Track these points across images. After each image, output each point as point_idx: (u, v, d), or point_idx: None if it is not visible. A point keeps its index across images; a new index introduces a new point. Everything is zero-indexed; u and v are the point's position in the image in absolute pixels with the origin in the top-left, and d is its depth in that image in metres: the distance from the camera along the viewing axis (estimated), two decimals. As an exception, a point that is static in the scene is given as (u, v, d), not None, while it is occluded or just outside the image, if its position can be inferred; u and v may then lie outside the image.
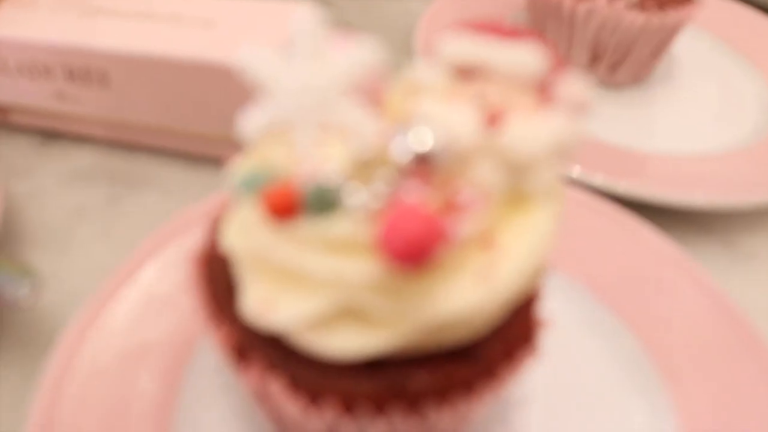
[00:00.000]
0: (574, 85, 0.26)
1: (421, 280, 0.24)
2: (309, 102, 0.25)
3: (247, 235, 0.27)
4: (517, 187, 0.26)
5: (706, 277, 0.41)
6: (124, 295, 0.39)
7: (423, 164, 0.24)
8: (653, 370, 0.38)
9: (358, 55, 0.25)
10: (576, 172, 0.49)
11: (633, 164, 0.53)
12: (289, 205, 0.24)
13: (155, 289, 0.40)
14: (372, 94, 0.27)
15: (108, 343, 0.37)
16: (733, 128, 0.58)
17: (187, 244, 0.41)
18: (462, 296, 0.24)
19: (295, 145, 0.25)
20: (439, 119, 0.24)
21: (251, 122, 0.26)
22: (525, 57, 0.26)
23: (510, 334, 0.29)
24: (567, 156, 0.26)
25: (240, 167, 0.27)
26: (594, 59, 0.60)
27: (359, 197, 0.24)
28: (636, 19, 0.55)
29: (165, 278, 0.40)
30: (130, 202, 0.51)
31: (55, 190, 0.51)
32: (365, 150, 0.24)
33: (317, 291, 0.25)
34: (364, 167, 0.24)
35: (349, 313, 0.26)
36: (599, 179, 0.48)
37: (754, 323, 0.39)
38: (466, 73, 0.27)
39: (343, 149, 0.25)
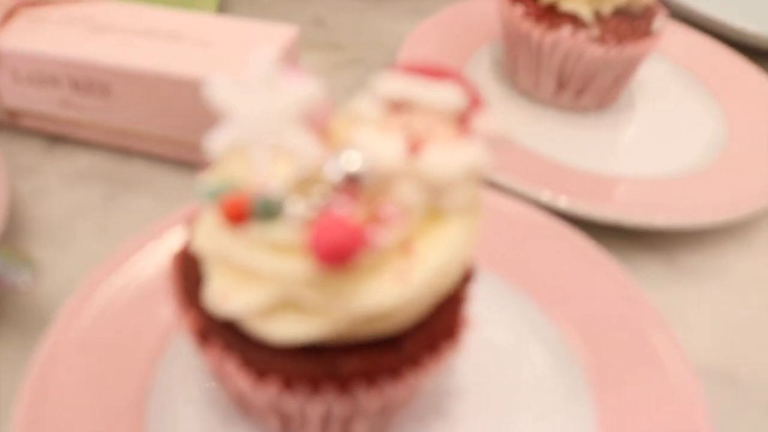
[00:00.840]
0: (489, 120, 0.31)
1: (346, 278, 0.29)
2: (261, 127, 0.30)
3: (210, 237, 0.32)
4: (435, 205, 0.31)
5: (630, 280, 0.46)
6: (112, 284, 0.44)
7: (352, 183, 0.28)
8: (578, 366, 0.43)
9: (306, 89, 0.30)
10: (545, 195, 0.53)
11: (591, 185, 0.57)
12: (241, 213, 0.29)
13: (141, 280, 0.45)
14: (319, 122, 0.32)
15: (96, 324, 0.42)
16: (687, 152, 0.63)
17: (170, 241, 0.46)
18: (382, 293, 0.29)
19: (250, 162, 0.30)
20: (368, 145, 0.29)
21: (215, 141, 0.31)
22: (446, 94, 0.31)
23: (434, 329, 0.34)
24: (481, 179, 0.31)
25: (205, 180, 0.31)
26: (560, 86, 0.64)
27: (298, 208, 0.28)
28: (596, 51, 0.59)
29: (149, 271, 0.45)
30: (124, 202, 0.56)
31: (57, 189, 0.57)
32: (306, 169, 0.29)
33: (263, 285, 0.30)
34: (304, 184, 0.29)
35: (288, 305, 0.30)
36: (546, 196, 0.53)
37: (670, 323, 0.43)
38: (397, 107, 0.31)
39: (288, 168, 0.29)
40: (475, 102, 0.31)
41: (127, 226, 0.53)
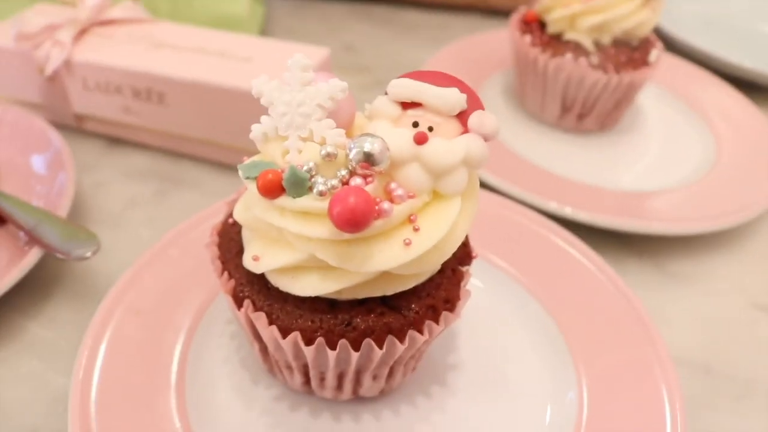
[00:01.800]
0: (485, 118, 0.37)
1: (361, 242, 0.35)
2: (295, 117, 0.36)
3: (248, 208, 0.38)
4: (437, 187, 0.37)
5: (618, 280, 0.51)
6: (160, 262, 0.51)
7: (368, 162, 0.35)
8: (566, 350, 0.48)
9: (333, 87, 0.36)
10: (552, 205, 0.59)
11: (591, 197, 0.62)
12: (275, 186, 0.35)
13: (184, 260, 0.52)
14: (343, 116, 0.38)
15: (144, 294, 0.49)
16: (679, 170, 0.69)
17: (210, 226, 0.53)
18: (391, 256, 0.35)
19: (284, 146, 0.37)
20: (382, 135, 0.36)
21: (257, 129, 0.37)
22: (449, 96, 0.37)
23: (436, 299, 0.40)
24: (477, 168, 0.37)
25: (247, 161, 0.38)
26: (564, 110, 0.71)
27: (323, 183, 0.35)
28: (597, 76, 0.65)
29: (192, 252, 0.52)
30: (173, 197, 0.63)
31: (115, 184, 0.64)
32: (331, 152, 0.35)
33: (291, 248, 0.37)
34: (329, 165, 0.35)
35: (312, 265, 0.37)
36: (552, 206, 0.59)
37: (653, 322, 0.48)
38: (408, 105, 0.38)
39: (316, 151, 0.36)
40: (473, 103, 0.37)
41: (175, 216, 0.61)
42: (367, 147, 0.34)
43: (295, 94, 0.37)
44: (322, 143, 0.36)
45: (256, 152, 0.61)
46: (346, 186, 0.35)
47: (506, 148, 0.67)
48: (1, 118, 0.64)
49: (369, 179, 0.35)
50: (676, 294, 0.57)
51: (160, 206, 0.62)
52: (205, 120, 0.63)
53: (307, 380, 0.43)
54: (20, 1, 0.77)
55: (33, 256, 0.51)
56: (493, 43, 0.82)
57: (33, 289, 0.53)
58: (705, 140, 0.73)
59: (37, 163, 0.60)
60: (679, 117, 0.77)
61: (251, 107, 0.60)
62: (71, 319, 0.52)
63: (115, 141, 0.69)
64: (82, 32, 0.67)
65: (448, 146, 0.36)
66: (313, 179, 0.35)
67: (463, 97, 0.37)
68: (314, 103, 0.36)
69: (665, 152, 0.71)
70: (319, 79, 0.37)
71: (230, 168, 0.66)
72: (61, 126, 0.69)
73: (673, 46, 0.89)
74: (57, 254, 0.50)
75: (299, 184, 0.35)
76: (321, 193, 0.34)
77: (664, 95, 0.80)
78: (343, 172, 0.35)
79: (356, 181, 0.35)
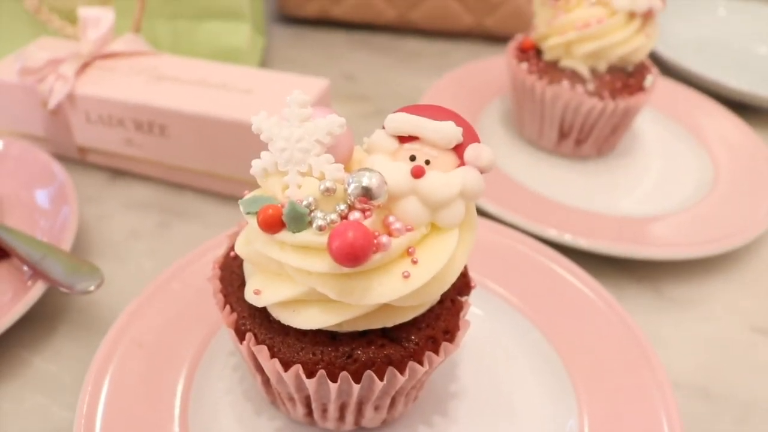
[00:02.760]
0: (480, 151, 0.38)
1: (360, 275, 0.36)
2: (294, 152, 0.37)
3: (249, 243, 0.39)
4: (435, 220, 0.37)
5: (617, 305, 0.52)
6: (163, 295, 0.52)
7: (366, 196, 0.35)
8: (566, 376, 0.48)
9: (331, 123, 0.37)
10: (551, 232, 0.60)
11: (591, 223, 0.63)
12: (275, 222, 0.36)
13: (187, 293, 0.52)
14: (342, 151, 0.39)
15: (148, 327, 0.49)
16: (676, 194, 0.69)
17: (213, 258, 0.53)
18: (390, 289, 0.35)
19: (284, 182, 0.37)
20: (380, 169, 0.36)
21: (257, 165, 0.38)
22: (445, 130, 0.38)
23: (435, 330, 0.40)
24: (474, 200, 0.38)
25: (247, 196, 0.39)
26: (562, 136, 0.71)
27: (322, 218, 0.35)
28: (593, 103, 0.66)
29: (195, 284, 0.53)
30: (175, 228, 0.64)
31: (117, 215, 0.65)
32: (330, 187, 0.36)
33: (292, 282, 0.37)
34: (328, 200, 0.36)
35: (312, 299, 0.37)
36: (552, 233, 0.60)
37: (652, 347, 0.49)
38: (405, 139, 0.38)
39: (315, 186, 0.36)
40: (469, 136, 0.38)
41: (177, 248, 0.61)
42: (365, 182, 0.35)
43: (293, 129, 0.37)
44: (321, 178, 0.37)
45: (257, 184, 0.62)
46: (344, 220, 0.35)
47: (505, 174, 0.68)
48: (6, 152, 0.65)
49: (367, 213, 0.36)
50: (674, 318, 0.57)
51: (162, 238, 0.63)
52: (206, 152, 0.64)
53: (309, 411, 0.43)
54: (22, 37, 0.79)
55: (37, 290, 0.51)
56: (491, 70, 0.84)
57: (37, 323, 0.54)
58: (702, 163, 0.73)
59: (41, 196, 0.61)
60: (676, 140, 0.78)
61: (252, 139, 0.60)
62: (75, 353, 0.52)
63: (118, 173, 0.70)
64: (85, 66, 0.68)
65: (445, 179, 0.37)
66: (312, 214, 0.35)
67: (459, 130, 0.38)
68: (313, 138, 0.37)
69: (663, 176, 0.72)
70: (318, 114, 0.38)
71: (231, 199, 0.67)
72: (64, 158, 0.70)
73: (668, 70, 0.90)
74: (61, 288, 0.50)
75: (299, 219, 0.35)
76: (320, 228, 0.35)
77: (660, 119, 0.80)
78: (342, 207, 0.35)
79: (355, 215, 0.35)
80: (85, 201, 0.66)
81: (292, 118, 0.38)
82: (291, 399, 0.43)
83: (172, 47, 0.80)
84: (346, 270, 0.35)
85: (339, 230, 0.34)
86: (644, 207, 0.67)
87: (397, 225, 0.36)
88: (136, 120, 0.64)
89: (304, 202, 0.36)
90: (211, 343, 0.50)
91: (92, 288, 0.50)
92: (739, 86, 0.83)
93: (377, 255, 0.35)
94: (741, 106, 0.84)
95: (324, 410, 0.43)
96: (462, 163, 0.38)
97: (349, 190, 0.35)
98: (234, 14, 0.80)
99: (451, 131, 0.37)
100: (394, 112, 0.39)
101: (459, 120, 0.38)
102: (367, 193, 0.35)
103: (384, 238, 0.35)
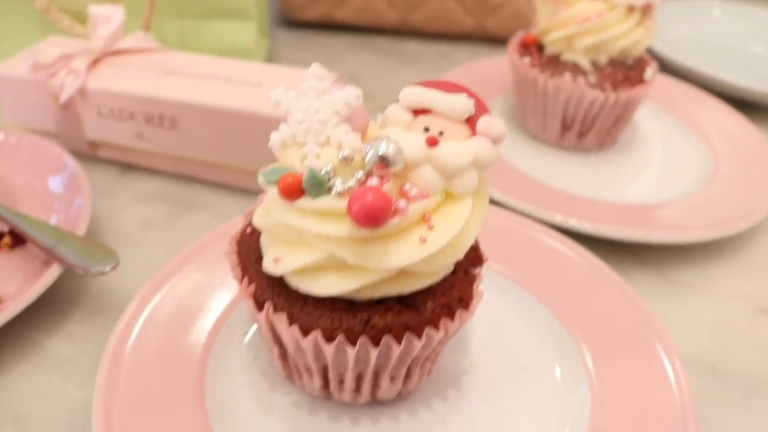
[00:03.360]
0: (492, 122, 0.39)
1: (378, 240, 0.37)
2: (312, 123, 0.38)
3: (269, 213, 0.40)
4: (449, 188, 0.38)
5: (625, 285, 0.53)
6: (178, 278, 0.52)
7: (383, 164, 0.36)
8: (574, 349, 0.49)
9: (348, 94, 0.38)
10: (557, 218, 0.61)
11: (595, 210, 0.64)
12: (295, 189, 0.37)
13: (200, 275, 0.53)
14: (357, 123, 0.40)
15: (165, 305, 0.50)
16: (678, 184, 0.70)
17: (226, 243, 0.54)
18: (407, 253, 0.36)
19: (303, 152, 0.38)
20: (396, 138, 0.37)
21: (276, 137, 0.39)
22: (458, 102, 0.39)
23: (450, 298, 0.41)
24: (486, 168, 0.39)
25: (267, 167, 0.40)
26: (564, 129, 0.73)
27: (341, 184, 0.36)
28: (596, 95, 0.68)
29: (207, 268, 0.53)
30: (183, 220, 0.64)
31: (128, 208, 0.66)
32: (348, 155, 0.37)
33: (310, 249, 0.38)
34: (346, 167, 0.37)
35: (330, 265, 0.38)
36: (558, 219, 0.61)
37: (660, 323, 0.50)
38: (419, 112, 0.40)
39: (334, 154, 0.37)
40: (480, 108, 0.39)
41: (188, 237, 0.62)
42: (383, 149, 0.36)
43: (312, 102, 0.39)
44: (339, 148, 0.38)
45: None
46: (363, 185, 0.36)
47: (510, 167, 0.69)
48: (19, 145, 0.66)
49: (384, 180, 0.37)
50: (679, 301, 0.58)
51: (172, 228, 0.63)
52: (217, 144, 0.65)
53: (325, 383, 0.44)
54: (32, 36, 0.80)
55: (52, 273, 0.52)
56: (492, 68, 0.85)
57: (51, 306, 0.54)
58: (702, 154, 0.75)
59: (55, 186, 0.62)
60: (676, 134, 0.79)
61: (263, 130, 0.62)
62: (88, 335, 0.53)
63: (128, 167, 0.71)
64: (95, 62, 0.69)
65: (459, 148, 0.38)
66: (331, 181, 0.37)
67: (471, 102, 0.39)
68: (331, 110, 0.38)
69: (664, 167, 0.74)
70: (333, 88, 0.39)
71: (242, 191, 0.68)
72: (75, 153, 0.71)
73: (665, 67, 0.92)
74: (77, 270, 0.51)
75: (319, 186, 0.36)
76: (340, 194, 0.36)
77: (659, 113, 0.82)
78: (360, 174, 0.37)
79: (373, 181, 0.36)
80: (97, 194, 0.67)
81: (310, 91, 0.39)
82: (308, 370, 0.44)
83: (179, 46, 0.82)
84: (365, 234, 0.36)
85: (359, 193, 0.35)
86: (647, 196, 0.68)
87: (414, 192, 0.37)
88: (147, 113, 0.65)
89: (323, 170, 0.37)
90: (225, 324, 0.50)
91: (108, 269, 0.51)
92: (736, 82, 0.85)
93: (395, 219, 0.36)
94: (737, 102, 0.86)
95: (341, 381, 0.43)
96: (474, 134, 0.39)
97: (367, 158, 0.36)
98: (240, 14, 0.82)
99: (463, 103, 0.39)
100: (408, 87, 0.40)
101: (470, 93, 0.40)
102: (384, 161, 0.36)
103: (402, 203, 0.36)
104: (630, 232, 0.60)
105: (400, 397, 0.46)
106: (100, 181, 0.69)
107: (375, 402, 0.46)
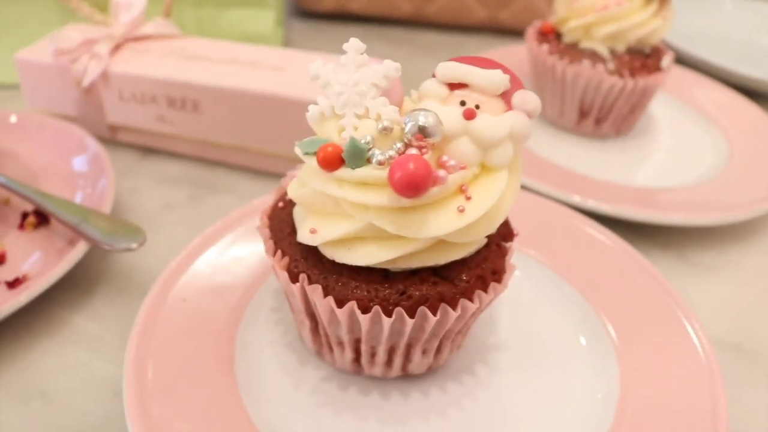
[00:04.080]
0: (527, 96, 0.39)
1: (418, 209, 0.37)
2: (351, 95, 0.38)
3: (306, 184, 0.40)
4: (485, 161, 0.39)
5: (648, 265, 0.53)
6: (205, 255, 0.52)
7: (422, 134, 0.37)
8: (606, 333, 0.49)
9: (385, 67, 0.39)
10: (575, 198, 0.62)
11: (613, 193, 0.64)
12: (335, 159, 0.37)
13: (226, 253, 0.53)
14: (394, 96, 0.40)
15: (193, 281, 0.50)
16: (694, 169, 0.71)
17: (252, 222, 0.54)
18: (446, 223, 0.37)
19: (341, 123, 0.39)
20: (434, 111, 0.38)
21: (314, 109, 0.39)
22: (494, 77, 0.39)
23: (484, 271, 0.42)
24: (522, 142, 0.39)
25: (305, 139, 0.40)
26: (582, 115, 0.73)
27: (381, 154, 0.37)
28: (614, 81, 0.68)
29: (234, 245, 0.54)
30: (206, 201, 0.65)
31: (150, 189, 0.66)
32: (387, 126, 0.37)
33: (349, 218, 0.38)
34: (385, 138, 0.37)
35: (370, 234, 0.38)
36: (576, 199, 0.62)
37: (687, 304, 0.50)
38: (455, 86, 0.40)
39: (373, 126, 0.38)
40: (515, 83, 0.40)
41: (211, 218, 0.62)
42: (422, 120, 0.36)
43: (350, 74, 0.39)
44: (378, 119, 0.38)
45: (290, 158, 0.63)
46: (404, 154, 0.36)
47: (528, 152, 0.70)
48: (42, 126, 0.67)
49: (424, 150, 0.37)
50: (702, 282, 0.59)
51: (196, 209, 0.64)
52: (239, 127, 0.65)
53: (357, 357, 0.44)
54: (52, 24, 0.80)
55: (79, 250, 0.52)
56: (508, 57, 0.85)
57: (76, 285, 0.55)
58: (717, 141, 0.76)
59: (79, 166, 0.62)
60: (690, 121, 0.80)
61: (284, 113, 0.63)
62: (115, 312, 0.53)
63: (149, 151, 0.72)
64: (117, 47, 0.69)
65: (496, 121, 0.38)
66: (371, 152, 0.37)
67: (507, 77, 0.39)
68: (370, 82, 0.39)
69: (680, 153, 0.74)
70: (372, 61, 0.40)
71: (264, 174, 0.68)
72: (94, 137, 0.71)
73: (677, 58, 0.92)
74: (103, 246, 0.51)
75: (359, 155, 0.37)
76: (380, 163, 0.36)
77: (674, 103, 0.83)
78: (399, 145, 0.37)
79: (412, 152, 0.37)
80: (118, 176, 0.67)
81: (349, 63, 0.39)
82: (340, 344, 0.44)
83: (198, 34, 0.82)
84: (404, 203, 0.36)
85: (400, 162, 0.35)
86: (664, 181, 0.69)
87: (452, 162, 0.37)
88: (169, 96, 0.66)
89: (363, 141, 0.37)
90: (253, 299, 0.51)
91: (134, 246, 0.51)
92: (748, 73, 0.86)
93: (434, 189, 0.36)
94: (749, 93, 0.87)
95: (373, 354, 0.44)
96: (510, 109, 0.39)
97: (406, 129, 0.37)
98: (259, 2, 0.82)
99: (499, 78, 0.39)
100: (445, 62, 0.41)
101: (505, 69, 0.40)
102: (423, 131, 0.36)
103: (441, 172, 0.36)
104: (651, 214, 0.60)
105: (430, 372, 0.46)
106: (121, 164, 0.69)
107: (405, 376, 0.46)
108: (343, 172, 0.37)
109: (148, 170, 0.69)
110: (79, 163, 0.63)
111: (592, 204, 0.61)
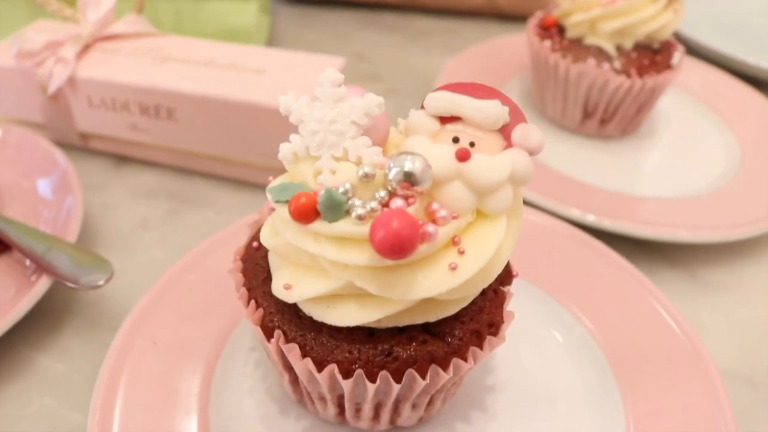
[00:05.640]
0: (529, 131, 0.35)
1: (404, 268, 0.33)
2: (328, 135, 0.34)
3: (278, 234, 0.36)
4: (481, 207, 0.34)
5: (656, 290, 0.49)
6: (179, 286, 0.49)
7: (409, 182, 0.32)
8: (608, 366, 0.46)
9: (367, 103, 0.34)
10: (574, 212, 0.57)
11: (616, 204, 0.60)
12: (310, 210, 0.33)
13: (203, 284, 0.49)
14: (378, 134, 0.36)
15: (163, 321, 0.46)
16: (704, 175, 0.67)
17: (231, 248, 0.50)
18: (438, 282, 0.32)
19: (316, 167, 0.34)
20: (422, 152, 0.33)
21: (286, 149, 0.35)
22: (491, 109, 0.35)
23: (479, 323, 0.38)
24: (523, 185, 0.35)
25: (275, 182, 0.36)
26: (586, 115, 0.69)
27: (362, 206, 0.32)
28: (621, 82, 0.63)
29: (210, 275, 0.50)
30: (185, 216, 0.60)
31: (124, 204, 0.62)
32: (369, 173, 0.33)
33: (326, 276, 0.34)
34: (367, 185, 0.33)
35: (349, 293, 0.34)
36: (575, 213, 0.57)
37: (697, 335, 0.46)
38: (447, 119, 0.35)
39: (353, 170, 0.33)
40: (516, 116, 0.35)
41: (189, 236, 0.58)
42: (408, 166, 0.32)
43: (327, 110, 0.34)
44: (359, 163, 0.34)
45: (273, 169, 0.58)
46: (387, 209, 0.32)
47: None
48: (5, 140, 0.62)
49: (410, 200, 0.33)
50: (712, 303, 0.55)
51: (172, 226, 0.59)
52: (217, 136, 0.61)
53: (341, 411, 0.41)
54: (19, 20, 0.75)
55: (42, 285, 0.48)
56: (509, 48, 0.81)
57: (42, 319, 0.51)
58: (728, 142, 0.71)
59: (43, 186, 0.58)
60: (700, 120, 0.75)
61: (266, 121, 0.58)
62: (84, 350, 0.49)
63: (123, 159, 0.67)
64: (86, 48, 0.64)
65: (493, 162, 0.34)
66: (350, 202, 0.33)
67: (506, 109, 0.35)
68: (348, 120, 0.34)
69: (689, 156, 0.70)
70: (352, 93, 0.35)
71: (245, 185, 0.64)
72: (65, 146, 0.67)
73: (687, 49, 0.87)
74: (68, 283, 0.47)
75: (336, 208, 0.32)
76: (360, 217, 0.32)
77: (683, 98, 0.78)
78: (383, 193, 0.33)
79: (397, 202, 0.32)
80: (89, 190, 0.63)
81: (324, 97, 0.35)
82: (322, 399, 0.40)
83: (175, 28, 0.77)
84: (388, 263, 0.32)
85: (382, 219, 0.31)
86: (671, 188, 0.64)
87: (443, 213, 0.33)
88: (142, 104, 0.61)
89: (341, 189, 0.33)
90: (230, 338, 0.47)
91: (101, 282, 0.47)
92: (761, 63, 0.81)
93: (423, 246, 0.32)
94: (760, 84, 0.82)
95: (358, 410, 0.40)
96: (509, 145, 0.35)
97: (391, 176, 0.32)
98: (239, -8, 0.76)
99: (497, 110, 0.35)
100: (434, 91, 0.36)
101: (504, 99, 0.36)
102: (410, 179, 0.32)
103: (430, 227, 0.32)
104: (657, 230, 0.56)
105: (422, 423, 0.43)
106: (93, 175, 0.65)
107: (395, 429, 0.42)
108: (319, 225, 0.33)
109: (121, 181, 0.64)
110: (45, 180, 0.58)
111: (591, 219, 0.56)
